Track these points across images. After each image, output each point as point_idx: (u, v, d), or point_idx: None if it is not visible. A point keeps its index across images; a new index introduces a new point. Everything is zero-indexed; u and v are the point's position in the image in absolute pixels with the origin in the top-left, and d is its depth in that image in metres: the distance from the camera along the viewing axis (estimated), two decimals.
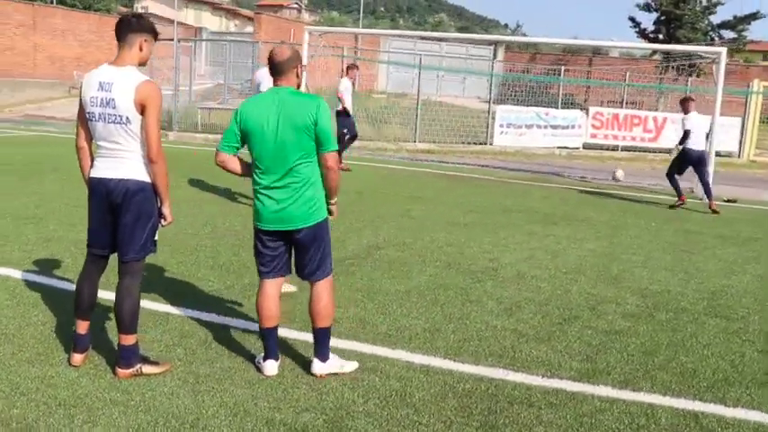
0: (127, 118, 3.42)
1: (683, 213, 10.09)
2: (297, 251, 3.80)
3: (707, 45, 25.09)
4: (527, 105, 18.99)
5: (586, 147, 18.10)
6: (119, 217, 3.54)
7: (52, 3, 27.27)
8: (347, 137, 12.13)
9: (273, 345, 3.81)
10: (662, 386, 3.93)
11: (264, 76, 8.56)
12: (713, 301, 5.64)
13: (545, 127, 17.62)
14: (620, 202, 10.86)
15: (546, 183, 12.66)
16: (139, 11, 41.68)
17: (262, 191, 3.68)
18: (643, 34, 24.52)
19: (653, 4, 23.66)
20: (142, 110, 3.43)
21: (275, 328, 3.82)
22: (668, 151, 17.89)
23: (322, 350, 3.79)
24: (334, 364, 3.81)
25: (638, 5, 24.45)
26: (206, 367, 3.86)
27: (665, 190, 12.82)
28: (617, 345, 4.54)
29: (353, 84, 12.55)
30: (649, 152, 18.22)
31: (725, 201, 11.48)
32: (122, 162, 3.50)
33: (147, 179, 3.55)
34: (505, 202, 10.04)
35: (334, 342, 3.99)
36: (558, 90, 21.28)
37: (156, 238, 3.71)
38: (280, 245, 3.75)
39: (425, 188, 10.88)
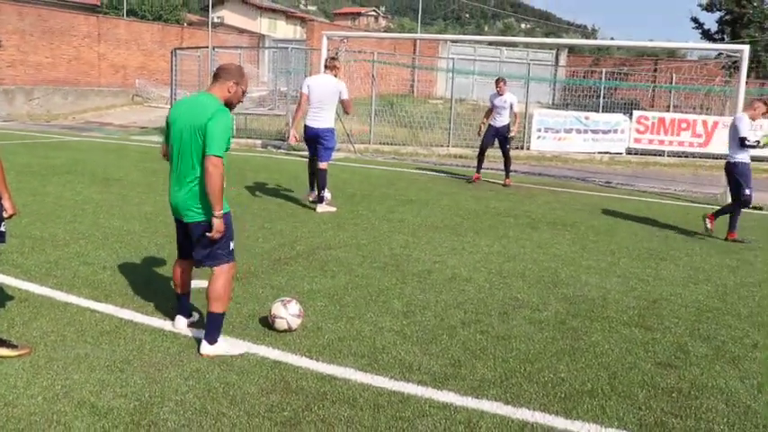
0: None
1: (690, 219, 9.50)
2: (190, 239, 4.18)
3: None
4: (591, 111, 18.37)
5: (630, 152, 17.36)
6: None
7: (122, 15, 28.76)
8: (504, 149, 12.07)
9: (182, 306, 4.44)
10: (511, 395, 3.75)
11: (313, 83, 8.61)
12: (646, 311, 5.31)
13: (585, 131, 17.02)
14: (631, 208, 10.35)
15: (563, 188, 12.25)
16: (215, 20, 43.22)
17: (169, 180, 4.14)
18: (707, 35, 23.31)
19: (716, 3, 22.42)
20: None
21: (184, 294, 4.43)
22: (718, 157, 16.98)
23: (208, 333, 4.09)
24: (222, 348, 4.08)
25: (700, 5, 23.20)
26: (64, 353, 4.00)
27: (693, 197, 12.20)
28: (499, 351, 4.36)
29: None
30: (698, 158, 17.29)
31: (750, 207, 10.78)
32: None
33: None
34: (500, 206, 9.79)
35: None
36: (621, 94, 20.49)
37: (3, 229, 3.87)
38: (181, 230, 4.27)
39: (425, 192, 10.76)
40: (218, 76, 4.06)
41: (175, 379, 3.73)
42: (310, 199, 8.97)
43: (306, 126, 8.61)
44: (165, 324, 4.51)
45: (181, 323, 4.44)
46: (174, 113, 4.07)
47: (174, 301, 4.59)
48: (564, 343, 4.56)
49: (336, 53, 14.57)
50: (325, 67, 8.77)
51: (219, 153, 3.81)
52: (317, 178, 8.68)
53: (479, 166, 12.32)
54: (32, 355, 3.93)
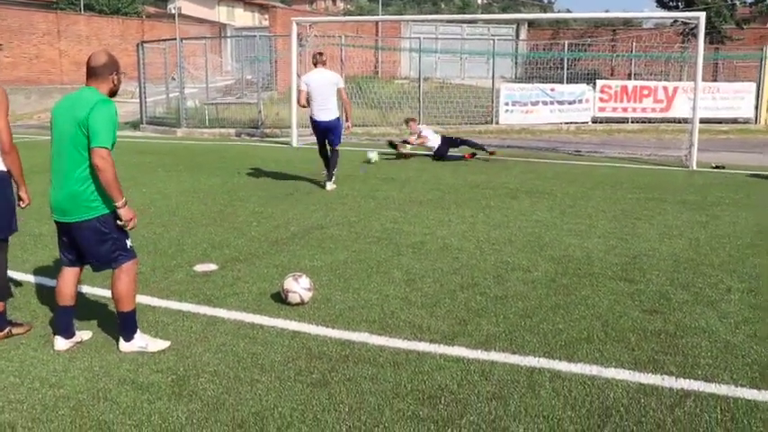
0: None
1: (658, 181, 9.98)
2: (77, 243, 3.88)
3: (728, 11, 24.34)
4: (555, 82, 18.76)
5: (595, 121, 17.88)
6: None
7: (79, 10, 28.31)
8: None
9: (64, 322, 4.08)
10: (517, 346, 4.08)
11: (311, 79, 8.98)
12: (628, 266, 5.70)
13: (551, 103, 17.47)
14: (602, 174, 10.80)
15: (535, 159, 12.66)
16: (172, 11, 42.61)
17: (51, 181, 3.87)
18: (661, 3, 23.96)
19: None
20: None
21: (67, 308, 4.05)
22: (680, 121, 17.58)
23: (124, 332, 4.01)
24: (138, 344, 4.00)
25: None
26: (93, 337, 4.21)
27: (659, 160, 12.70)
28: (499, 309, 4.69)
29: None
30: (661, 123, 17.88)
31: (713, 167, 11.35)
32: None
33: (3, 167, 3.94)
34: (478, 179, 10.14)
35: (226, 313, 4.56)
36: (581, 64, 20.99)
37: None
38: (64, 235, 3.96)
39: (404, 170, 11.06)
40: (95, 72, 3.79)
41: (204, 354, 3.98)
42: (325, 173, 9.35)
43: (314, 120, 9.05)
44: (181, 306, 4.74)
45: (58, 343, 4.05)
46: (56, 110, 3.85)
47: (167, 283, 4.81)
48: (557, 298, 4.91)
49: (304, 38, 14.71)
50: (315, 63, 9.12)
51: (105, 144, 3.65)
52: (330, 159, 9.29)
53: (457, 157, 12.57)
54: None
